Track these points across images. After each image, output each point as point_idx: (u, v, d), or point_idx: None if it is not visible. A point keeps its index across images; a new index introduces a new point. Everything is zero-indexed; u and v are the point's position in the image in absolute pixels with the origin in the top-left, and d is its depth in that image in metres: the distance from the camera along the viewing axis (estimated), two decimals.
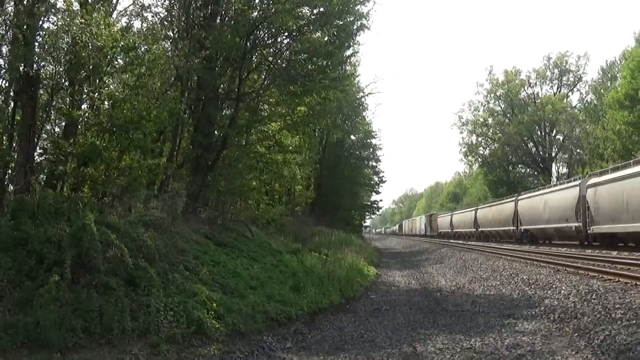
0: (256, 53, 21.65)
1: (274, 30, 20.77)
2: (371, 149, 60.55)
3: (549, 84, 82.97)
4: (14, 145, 11.93)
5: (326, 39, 21.30)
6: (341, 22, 20.68)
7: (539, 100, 79.53)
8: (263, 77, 22.40)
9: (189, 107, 18.53)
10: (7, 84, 12.12)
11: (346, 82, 27.07)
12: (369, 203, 68.91)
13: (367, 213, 73.42)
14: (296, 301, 13.58)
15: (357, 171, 57.38)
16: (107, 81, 13.60)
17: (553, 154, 78.81)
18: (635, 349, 8.73)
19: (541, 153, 78.99)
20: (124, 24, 16.15)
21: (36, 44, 11.99)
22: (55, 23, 12.34)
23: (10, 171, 11.78)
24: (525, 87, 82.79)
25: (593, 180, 30.46)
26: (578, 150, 74.32)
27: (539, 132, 79.46)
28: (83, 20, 11.88)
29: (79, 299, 8.89)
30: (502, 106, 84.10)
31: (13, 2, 11.84)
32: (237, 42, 19.65)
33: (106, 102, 13.61)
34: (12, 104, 12.11)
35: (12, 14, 11.72)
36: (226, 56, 20.09)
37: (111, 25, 12.79)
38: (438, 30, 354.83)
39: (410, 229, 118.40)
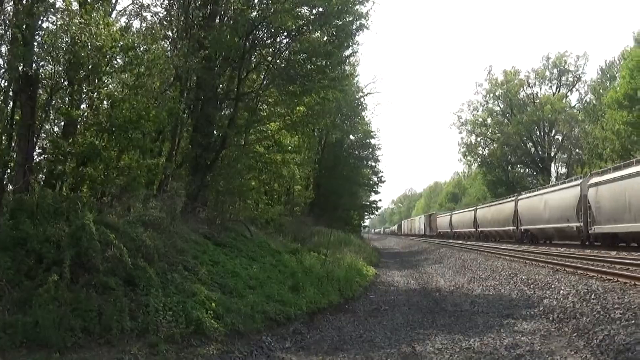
0: (255, 53, 21.66)
1: (273, 30, 20.78)
2: (370, 149, 60.64)
3: (548, 84, 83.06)
4: (13, 144, 11.93)
5: (325, 38, 21.30)
6: (340, 22, 20.68)
7: (538, 100, 79.50)
8: (262, 77, 22.42)
9: (188, 106, 18.53)
10: (6, 84, 12.11)
11: (345, 82, 27.09)
12: (368, 203, 68.98)
13: (366, 213, 73.55)
14: (295, 301, 13.58)
15: (356, 171, 57.42)
16: (106, 81, 13.57)
17: (552, 154, 78.80)
18: (634, 349, 8.74)
19: (540, 153, 79.00)
20: (123, 24, 16.08)
21: (35, 43, 11.99)
22: (54, 23, 12.36)
23: (9, 171, 11.78)
24: (524, 87, 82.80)
25: (594, 179, 30.13)
26: (577, 150, 74.34)
27: (538, 132, 79.45)
28: (82, 20, 11.87)
29: (78, 298, 8.89)
30: (501, 106, 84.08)
31: (12, 2, 11.83)
32: (236, 42, 19.66)
33: (105, 102, 13.60)
34: (11, 103, 12.09)
35: (11, 13, 11.71)
36: (225, 56, 20.10)
37: (110, 25, 12.78)
38: (437, 30, 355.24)
39: (409, 229, 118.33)
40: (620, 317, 10.84)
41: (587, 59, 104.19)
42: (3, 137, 11.77)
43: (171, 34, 19.11)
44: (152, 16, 18.59)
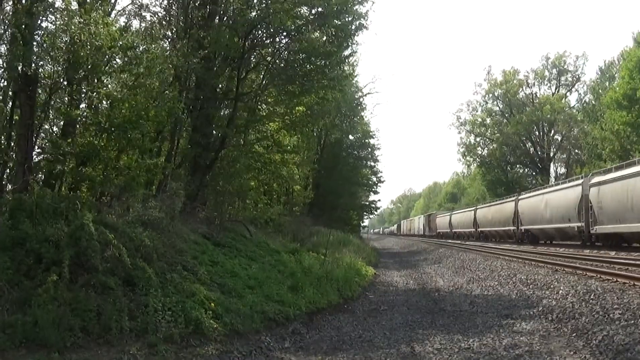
0: (255, 53, 21.65)
1: (272, 30, 20.75)
2: (369, 149, 60.71)
3: (547, 84, 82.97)
4: (13, 144, 11.93)
5: (324, 38, 21.28)
6: (339, 22, 20.66)
7: (537, 101, 79.39)
8: (261, 76, 22.42)
9: (188, 106, 18.50)
10: (5, 83, 12.12)
11: (344, 82, 27.10)
12: (367, 203, 69.07)
13: (365, 213, 73.63)
14: (294, 301, 13.58)
15: (355, 171, 57.52)
16: (105, 81, 13.59)
17: (551, 154, 78.73)
18: (634, 349, 8.75)
19: (539, 153, 78.93)
20: (123, 24, 16.15)
21: (34, 43, 11.99)
22: (53, 22, 12.36)
23: (8, 170, 11.81)
24: (524, 87, 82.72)
25: (596, 179, 29.86)
26: (576, 151, 74.34)
27: (537, 132, 79.38)
28: (81, 20, 11.87)
29: (77, 298, 8.89)
30: (501, 106, 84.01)
31: (11, 2, 11.83)
32: (236, 42, 19.66)
33: (104, 102, 13.63)
34: (11, 103, 12.09)
35: (10, 13, 11.71)
36: (225, 56, 20.09)
37: (110, 25, 12.79)
38: (436, 30, 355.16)
39: (408, 229, 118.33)
40: (620, 317, 10.85)
41: (586, 59, 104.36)
42: (2, 137, 11.78)
43: (170, 34, 19.12)
44: (151, 16, 18.62)
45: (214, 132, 20.95)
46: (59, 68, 12.38)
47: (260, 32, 20.90)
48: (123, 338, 8.79)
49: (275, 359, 10.08)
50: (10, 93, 12.08)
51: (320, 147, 48.60)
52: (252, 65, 22.00)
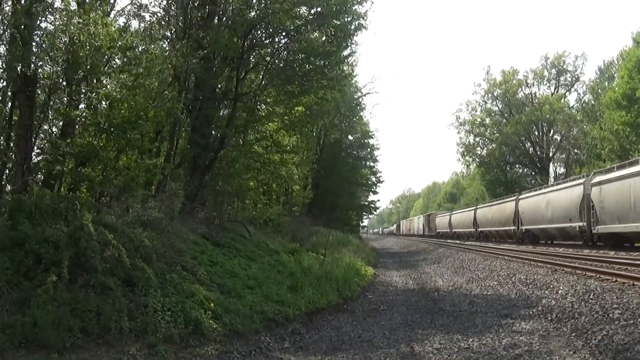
0: (254, 53, 21.66)
1: (271, 30, 20.75)
2: (369, 149, 60.79)
3: (546, 84, 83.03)
4: (12, 145, 11.92)
5: (324, 38, 21.28)
6: (339, 22, 20.66)
7: (536, 100, 79.44)
8: (261, 77, 22.45)
9: (187, 107, 18.52)
10: (4, 84, 12.12)
11: (344, 82, 27.06)
12: (367, 203, 69.19)
13: (364, 213, 73.75)
14: (294, 301, 13.59)
15: (354, 171, 57.59)
16: (104, 81, 13.60)
17: (550, 154, 78.74)
18: (633, 349, 8.75)
19: (539, 153, 78.96)
20: (122, 24, 16.14)
21: (34, 43, 11.99)
22: (52, 23, 12.35)
23: (7, 171, 11.80)
24: (523, 87, 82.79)
25: (598, 178, 29.57)
26: (575, 151, 74.35)
27: (536, 132, 79.40)
28: (81, 20, 11.87)
29: (77, 299, 8.89)
30: (500, 106, 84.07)
31: (11, 2, 11.83)
32: (235, 42, 19.67)
33: (104, 102, 13.63)
34: (10, 103, 12.07)
35: (9, 13, 11.71)
36: (224, 56, 20.10)
37: (109, 25, 12.79)
38: (436, 30, 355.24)
39: (408, 229, 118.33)
40: (619, 317, 10.85)
41: (585, 59, 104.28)
42: (1, 138, 11.79)
43: (170, 34, 19.12)
44: (150, 16, 18.58)
45: (213, 132, 20.96)
46: (58, 68, 12.37)
47: (259, 32, 20.90)
48: (122, 338, 8.79)
49: (275, 359, 10.08)
50: (9, 93, 12.07)
51: (319, 147, 48.65)
52: (252, 65, 22.03)
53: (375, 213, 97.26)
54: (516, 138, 78.11)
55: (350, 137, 57.40)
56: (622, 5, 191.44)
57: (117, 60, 13.54)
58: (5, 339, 7.75)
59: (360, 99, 52.90)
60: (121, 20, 16.85)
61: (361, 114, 55.46)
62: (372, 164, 62.47)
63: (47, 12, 12.14)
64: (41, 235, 9.62)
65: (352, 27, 21.19)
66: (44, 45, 12.09)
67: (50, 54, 12.08)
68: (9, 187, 11.48)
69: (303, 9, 20.43)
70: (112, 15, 15.85)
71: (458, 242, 54.08)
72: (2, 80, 12.12)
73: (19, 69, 11.41)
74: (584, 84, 79.24)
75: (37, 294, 8.51)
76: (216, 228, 17.99)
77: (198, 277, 12.13)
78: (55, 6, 12.31)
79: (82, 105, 13.33)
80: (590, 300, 12.94)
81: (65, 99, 12.98)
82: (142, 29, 17.01)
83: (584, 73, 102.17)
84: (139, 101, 13.47)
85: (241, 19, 19.42)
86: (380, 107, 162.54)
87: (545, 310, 13.33)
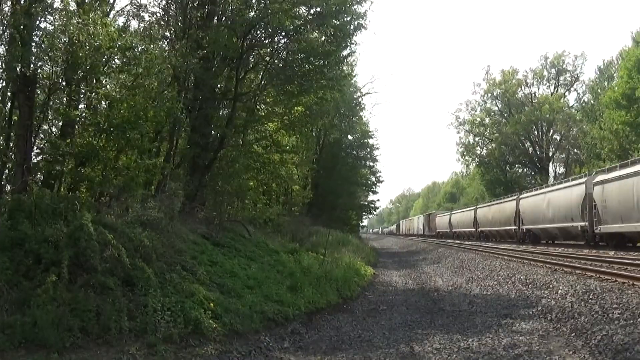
0: (253, 53, 21.65)
1: (271, 30, 20.74)
2: (368, 149, 60.80)
3: (546, 84, 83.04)
4: (11, 145, 11.93)
5: (323, 38, 21.28)
6: (338, 22, 20.64)
7: (536, 100, 79.42)
8: (260, 76, 22.45)
9: (186, 107, 18.51)
10: (4, 84, 12.13)
11: (343, 82, 27.06)
12: (366, 203, 69.18)
13: (364, 213, 73.70)
14: (293, 301, 13.59)
15: (354, 171, 57.59)
16: (104, 81, 13.60)
17: (550, 154, 78.73)
18: (633, 349, 8.75)
19: (538, 153, 78.96)
20: (121, 24, 16.17)
21: (33, 44, 11.99)
22: (52, 23, 12.34)
23: (7, 171, 11.80)
24: (522, 87, 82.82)
25: (600, 177, 29.25)
26: (575, 150, 74.37)
27: (536, 132, 79.39)
28: (80, 20, 11.87)
29: (77, 298, 8.89)
30: (499, 106, 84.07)
31: (10, 2, 11.82)
32: (234, 42, 19.66)
33: (103, 102, 13.64)
34: (9, 104, 12.08)
35: (9, 13, 11.71)
36: (223, 56, 20.08)
37: (108, 25, 12.79)
38: (435, 29, 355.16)
39: (407, 229, 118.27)
40: (619, 317, 10.86)
41: (585, 58, 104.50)
42: (1, 138, 11.79)
43: (169, 34, 19.13)
44: (150, 16, 18.61)
45: (213, 132, 20.95)
46: (58, 68, 12.38)
47: (258, 32, 20.90)
48: (122, 338, 8.80)
49: (275, 359, 10.08)
50: (9, 94, 12.08)
51: (319, 147, 48.67)
52: (251, 65, 22.03)
53: (374, 213, 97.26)
54: (516, 138, 78.11)
55: (349, 137, 57.43)
56: (622, 5, 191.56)
57: (116, 60, 13.55)
58: (5, 338, 7.75)
59: (360, 99, 52.98)
60: (120, 21, 16.91)
61: (361, 113, 55.56)
62: (371, 163, 62.56)
63: (46, 13, 12.15)
64: (41, 235, 9.62)
65: (352, 27, 21.19)
66: (43, 46, 12.10)
67: (50, 54, 12.09)
68: (9, 187, 11.49)
69: (302, 9, 20.43)
70: (111, 16, 15.89)
71: (458, 242, 54.07)
72: (1, 81, 12.14)
73: (18, 69, 11.42)
74: (583, 83, 79.43)
75: (37, 294, 8.51)
76: (216, 228, 17.99)
77: (198, 276, 12.13)
78: (55, 6, 12.33)
79: (81, 105, 13.34)
80: (590, 300, 12.94)
81: (65, 99, 12.99)
82: (141, 29, 17.05)
83: (583, 73, 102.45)
84: (139, 101, 13.48)
85: (240, 19, 19.41)
86: (380, 107, 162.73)
87: (545, 310, 13.33)
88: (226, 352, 9.71)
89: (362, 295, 19.02)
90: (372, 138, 61.14)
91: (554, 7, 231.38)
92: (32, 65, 11.75)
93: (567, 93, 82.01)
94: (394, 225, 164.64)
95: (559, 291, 15.05)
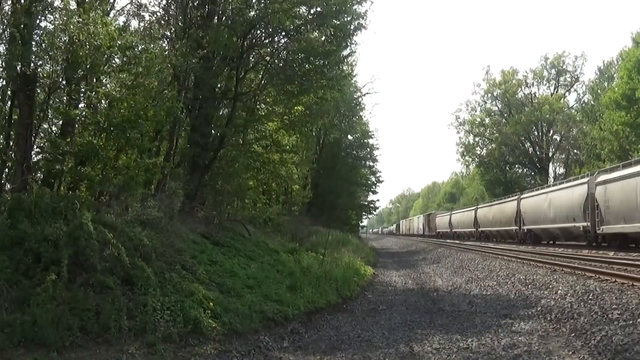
0: (253, 52, 21.64)
1: (271, 30, 20.74)
2: (368, 149, 60.81)
3: (546, 84, 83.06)
4: (11, 144, 11.94)
5: (323, 38, 21.28)
6: (338, 22, 20.64)
7: (536, 101, 79.42)
8: (260, 76, 22.44)
9: (186, 106, 18.51)
10: (4, 83, 12.12)
11: (343, 81, 27.04)
12: (366, 203, 69.19)
13: (364, 213, 73.71)
14: (293, 301, 13.58)
15: (354, 171, 57.62)
16: (104, 80, 13.62)
17: (550, 154, 78.74)
18: (632, 349, 8.75)
19: (538, 153, 78.95)
20: (121, 23, 16.16)
21: (33, 42, 11.99)
22: (52, 22, 12.35)
23: (7, 170, 11.80)
24: (522, 87, 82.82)
25: (603, 177, 28.94)
26: (575, 151, 74.41)
27: (536, 133, 79.39)
28: (80, 19, 11.87)
29: (76, 297, 8.89)
30: (499, 106, 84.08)
31: (10, 1, 11.83)
32: (235, 42, 19.65)
33: (103, 101, 13.64)
34: (10, 102, 12.09)
35: (9, 12, 11.71)
36: (223, 55, 20.07)
37: (108, 24, 12.78)
38: (435, 29, 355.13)
39: (407, 229, 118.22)
40: (618, 318, 10.86)
41: (585, 59, 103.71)
42: (1, 137, 11.80)
43: (169, 34, 19.12)
44: (150, 16, 18.62)
45: (213, 131, 20.95)
46: (58, 67, 12.38)
47: (259, 31, 20.90)
48: (122, 337, 8.79)
49: (274, 359, 10.08)
50: (9, 92, 12.09)
51: (319, 147, 48.70)
52: (251, 65, 22.03)
53: (374, 213, 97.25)
54: (516, 138, 78.11)
55: (349, 137, 57.43)
56: (622, 5, 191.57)
57: (116, 60, 13.56)
58: (4, 337, 7.75)
59: (360, 99, 53.00)
60: (121, 20, 16.90)
61: (361, 113, 55.59)
62: (371, 163, 62.59)
63: (46, 11, 12.15)
64: (41, 234, 9.62)
65: (352, 27, 21.18)
66: (43, 45, 12.09)
67: (50, 53, 12.08)
68: (9, 186, 11.49)
69: (303, 9, 20.41)
70: (111, 15, 15.88)
71: (457, 242, 54.04)
72: (1, 79, 12.14)
73: (18, 68, 11.42)
74: (583, 84, 79.46)
75: (37, 293, 8.51)
76: (216, 227, 18.00)
77: (197, 276, 12.13)
78: (55, 5, 12.34)
79: (81, 105, 13.34)
80: (590, 301, 12.95)
81: (65, 98, 12.98)
82: (141, 29, 17.04)
83: (583, 73, 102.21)
84: (139, 100, 13.48)
85: (241, 18, 19.41)
86: (380, 107, 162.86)
87: (545, 310, 13.32)
88: (225, 351, 9.70)
89: (362, 295, 19.01)
90: (372, 138, 61.27)
91: (554, 7, 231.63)
92: (32, 64, 11.76)
93: (567, 93, 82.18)
94: (394, 225, 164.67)
95: (559, 291, 15.05)
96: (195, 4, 19.49)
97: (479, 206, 59.53)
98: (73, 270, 9.31)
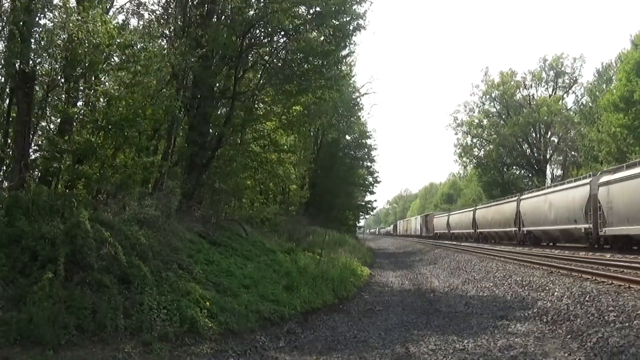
0: (252, 52, 21.65)
1: (270, 30, 20.75)
2: (366, 149, 60.77)
3: (544, 86, 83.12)
4: (9, 141, 11.93)
5: (322, 38, 21.30)
6: (337, 22, 20.68)
7: (534, 102, 79.53)
8: (259, 76, 22.43)
9: (185, 105, 18.51)
10: (3, 80, 12.12)
11: (342, 82, 27.05)
12: (364, 203, 69.18)
13: (361, 213, 73.61)
14: (289, 301, 13.59)
15: (351, 171, 57.61)
16: (102, 78, 13.60)
17: (548, 156, 78.82)
18: (628, 351, 8.77)
19: (536, 155, 79.01)
20: (121, 22, 16.14)
21: (32, 40, 11.99)
22: (51, 20, 12.34)
23: (5, 167, 11.79)
24: (521, 89, 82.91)
25: (605, 177, 28.43)
26: (573, 153, 74.54)
27: (533, 134, 79.44)
28: (79, 17, 11.87)
29: (73, 296, 8.87)
30: (497, 107, 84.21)
31: None
32: (234, 41, 19.65)
33: (102, 100, 13.61)
34: (8, 100, 12.09)
35: (8, 10, 11.70)
36: (222, 55, 20.07)
37: (108, 23, 12.79)
38: (434, 30, 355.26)
39: (405, 230, 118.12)
40: (614, 320, 10.87)
41: (583, 61, 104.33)
42: None
43: (168, 32, 19.13)
44: (149, 14, 18.64)
45: (211, 130, 20.95)
46: (57, 65, 12.38)
47: (258, 31, 20.90)
48: (118, 336, 8.78)
49: (270, 359, 10.08)
50: (7, 90, 12.08)
51: (316, 147, 48.70)
52: (250, 64, 22.03)
53: (372, 213, 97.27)
54: (513, 139, 78.18)
55: (347, 137, 57.40)
56: (621, 7, 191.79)
57: (115, 58, 13.56)
58: (0, 335, 7.74)
59: (358, 99, 52.97)
60: (120, 18, 16.89)
61: (359, 114, 55.54)
62: (369, 164, 62.58)
63: (45, 9, 12.15)
64: (38, 232, 9.60)
65: (351, 27, 21.21)
66: (42, 42, 12.10)
67: (49, 51, 12.09)
68: (6, 184, 11.47)
69: (302, 9, 20.44)
70: (111, 13, 15.91)
71: (454, 243, 54.03)
72: (0, 77, 12.13)
73: (17, 65, 11.41)
74: (582, 86, 79.57)
75: (33, 291, 8.49)
76: (213, 227, 17.99)
77: (194, 275, 12.12)
78: (54, 3, 12.32)
79: (80, 103, 13.32)
80: (586, 303, 12.95)
81: (64, 96, 12.96)
82: (140, 27, 17.06)
83: (582, 75, 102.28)
84: (137, 99, 13.48)
85: (240, 17, 19.41)
86: (378, 107, 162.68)
87: (541, 312, 13.34)
88: (221, 351, 9.70)
89: (358, 295, 19.02)
90: (370, 138, 61.23)
91: (553, 9, 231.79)
92: (31, 62, 11.76)
93: (565, 95, 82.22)
94: (391, 226, 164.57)
95: (555, 293, 15.06)
96: (195, 2, 19.50)
97: (477, 207, 59.20)
98: (70, 269, 9.30)
